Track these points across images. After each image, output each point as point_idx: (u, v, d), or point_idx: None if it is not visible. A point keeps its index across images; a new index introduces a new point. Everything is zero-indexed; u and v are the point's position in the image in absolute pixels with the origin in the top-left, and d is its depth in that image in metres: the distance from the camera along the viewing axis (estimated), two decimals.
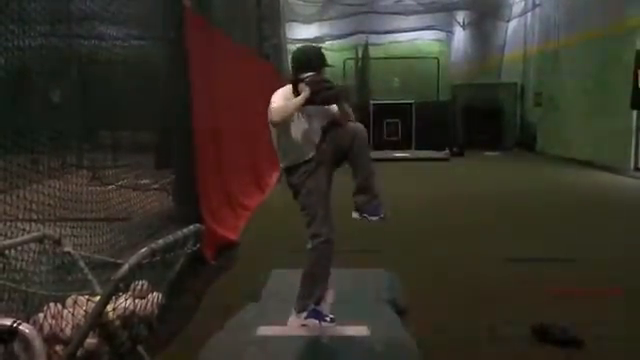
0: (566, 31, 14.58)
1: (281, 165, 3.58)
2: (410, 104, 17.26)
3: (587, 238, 6.33)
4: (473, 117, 17.68)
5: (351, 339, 3.36)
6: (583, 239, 6.29)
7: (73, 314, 2.35)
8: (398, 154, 15.45)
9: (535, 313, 3.85)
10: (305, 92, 3.32)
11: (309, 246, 3.44)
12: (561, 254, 5.51)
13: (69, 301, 2.50)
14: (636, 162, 11.67)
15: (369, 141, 3.60)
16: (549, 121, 15.73)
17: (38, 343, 1.80)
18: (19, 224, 3.14)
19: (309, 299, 3.44)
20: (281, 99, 3.37)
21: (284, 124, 3.35)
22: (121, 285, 2.16)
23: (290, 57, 3.67)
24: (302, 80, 3.41)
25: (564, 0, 14.86)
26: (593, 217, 7.62)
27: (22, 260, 3.00)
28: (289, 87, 3.49)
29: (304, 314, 3.43)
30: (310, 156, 3.43)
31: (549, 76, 15.71)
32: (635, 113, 11.56)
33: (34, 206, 3.26)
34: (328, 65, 3.59)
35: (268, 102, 3.36)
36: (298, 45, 3.79)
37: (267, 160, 9.63)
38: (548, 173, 12.43)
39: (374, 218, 3.48)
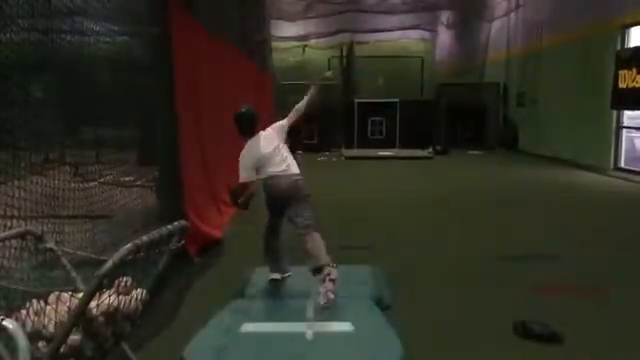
0: (548, 32, 14.75)
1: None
2: (394, 103, 17.31)
3: (567, 236, 6.43)
4: (457, 116, 17.80)
5: (335, 335, 3.38)
6: (564, 237, 6.38)
7: (56, 310, 2.33)
8: (382, 152, 15.49)
9: (518, 308, 3.91)
10: None
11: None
12: (543, 251, 5.59)
13: (52, 297, 2.48)
14: (616, 161, 11.85)
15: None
16: (531, 121, 15.90)
17: (21, 338, 1.77)
18: (0, 220, 3.11)
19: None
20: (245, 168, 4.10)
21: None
22: (105, 281, 2.14)
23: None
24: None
25: (547, 1, 15.03)
26: (573, 216, 7.73)
27: (3, 256, 2.97)
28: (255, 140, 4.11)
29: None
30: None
31: (531, 76, 15.88)
32: (615, 113, 11.75)
33: (16, 202, 3.23)
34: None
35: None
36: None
37: None
38: (530, 172, 12.55)
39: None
